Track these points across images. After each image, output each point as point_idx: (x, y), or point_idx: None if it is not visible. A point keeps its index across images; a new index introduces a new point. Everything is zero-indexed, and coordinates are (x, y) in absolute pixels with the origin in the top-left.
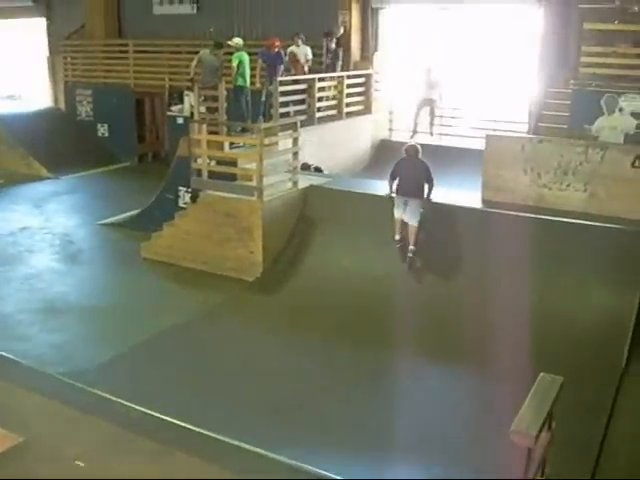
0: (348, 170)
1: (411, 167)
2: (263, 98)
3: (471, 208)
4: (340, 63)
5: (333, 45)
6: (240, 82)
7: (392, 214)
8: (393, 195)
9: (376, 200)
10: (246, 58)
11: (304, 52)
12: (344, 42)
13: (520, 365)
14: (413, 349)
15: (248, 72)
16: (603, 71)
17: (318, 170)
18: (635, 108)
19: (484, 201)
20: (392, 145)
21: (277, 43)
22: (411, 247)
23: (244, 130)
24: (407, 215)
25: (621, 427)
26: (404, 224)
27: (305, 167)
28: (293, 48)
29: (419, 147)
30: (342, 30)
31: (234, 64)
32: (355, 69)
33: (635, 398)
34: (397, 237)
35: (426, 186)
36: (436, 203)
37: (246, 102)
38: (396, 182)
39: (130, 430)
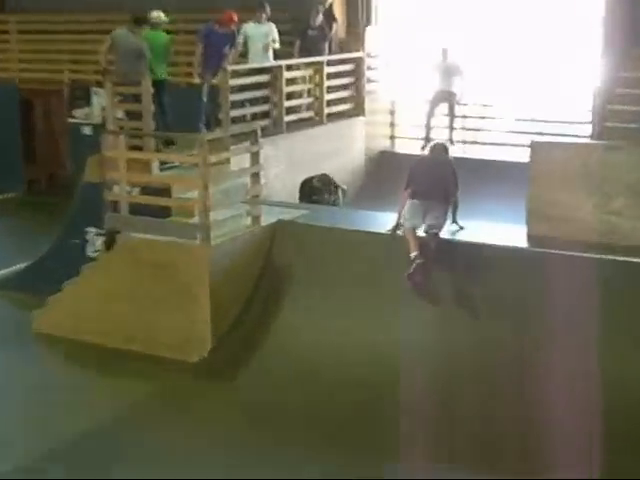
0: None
1: (432, 167)
2: (204, 97)
3: (513, 249)
4: (327, 45)
5: (319, 18)
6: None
7: (403, 227)
8: (400, 231)
9: (375, 240)
10: (162, 39)
11: (263, 32)
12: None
13: None
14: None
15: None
16: None
17: (342, 191)
18: None
19: (531, 237)
20: (395, 159)
21: (235, 18)
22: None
23: (170, 143)
24: (428, 221)
25: None
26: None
27: (326, 187)
28: (248, 27)
29: (447, 145)
30: None
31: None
32: (339, 52)
33: None
34: (414, 253)
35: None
36: (463, 243)
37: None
38: (409, 191)
39: None
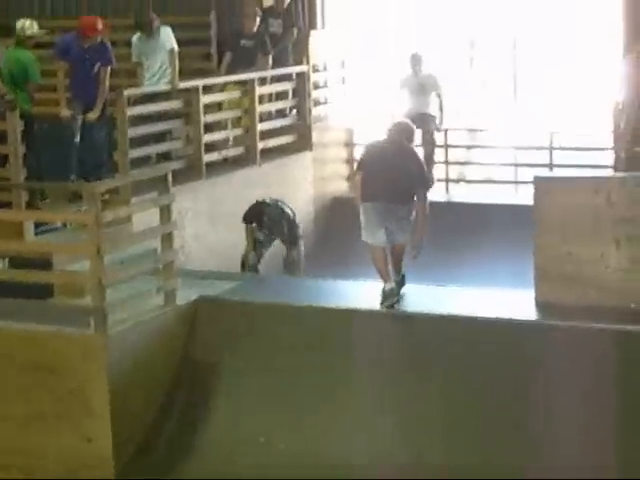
0: (271, 260)
1: (390, 156)
2: (76, 137)
3: (518, 322)
4: (268, 60)
5: (277, 23)
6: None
7: (367, 245)
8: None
9: (333, 320)
10: (26, 59)
11: (157, 46)
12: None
13: None
14: None
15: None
16: None
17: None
18: None
19: (540, 305)
20: (355, 208)
21: (99, 27)
22: (391, 282)
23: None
24: (392, 232)
25: None
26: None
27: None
28: (136, 39)
29: (413, 127)
30: None
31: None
32: (273, 65)
33: None
34: (388, 285)
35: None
36: (453, 317)
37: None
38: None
39: None
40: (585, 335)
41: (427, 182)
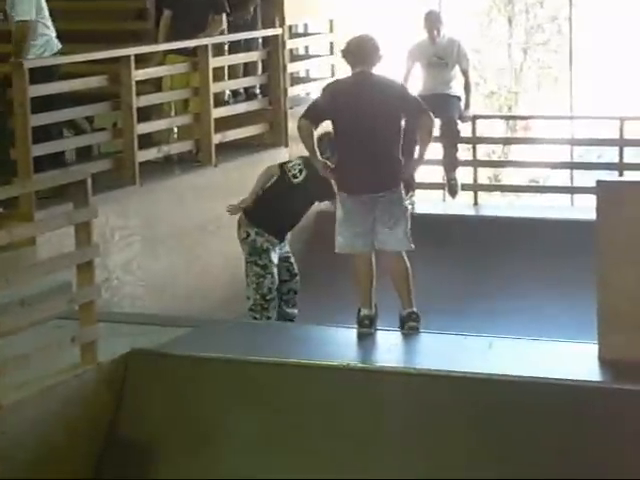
0: (233, 299)
1: (365, 102)
2: None
3: (578, 386)
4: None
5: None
6: None
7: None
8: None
9: (304, 379)
10: None
11: None
12: None
13: None
14: None
15: None
16: None
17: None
18: None
19: (606, 363)
20: None
21: None
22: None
23: None
24: (382, 237)
25: None
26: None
27: None
28: None
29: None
30: None
31: None
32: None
33: None
34: (367, 311)
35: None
36: (489, 379)
37: None
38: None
39: None
40: None
41: (420, 104)
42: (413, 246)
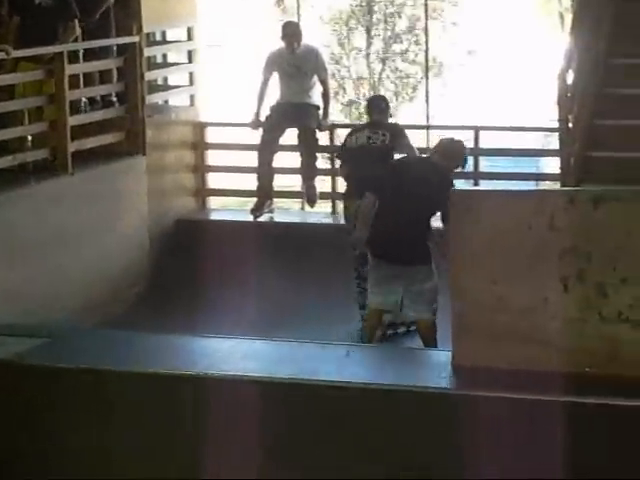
0: (89, 313)
1: (412, 177)
2: None
3: (427, 393)
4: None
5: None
6: None
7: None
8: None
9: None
10: None
11: None
12: None
13: None
14: None
15: None
16: None
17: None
18: None
19: (458, 371)
20: (210, 234)
21: None
22: None
23: None
24: (407, 304)
25: None
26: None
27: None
28: None
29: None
30: None
31: None
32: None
33: None
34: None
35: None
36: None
37: None
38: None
39: None
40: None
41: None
42: (434, 316)
